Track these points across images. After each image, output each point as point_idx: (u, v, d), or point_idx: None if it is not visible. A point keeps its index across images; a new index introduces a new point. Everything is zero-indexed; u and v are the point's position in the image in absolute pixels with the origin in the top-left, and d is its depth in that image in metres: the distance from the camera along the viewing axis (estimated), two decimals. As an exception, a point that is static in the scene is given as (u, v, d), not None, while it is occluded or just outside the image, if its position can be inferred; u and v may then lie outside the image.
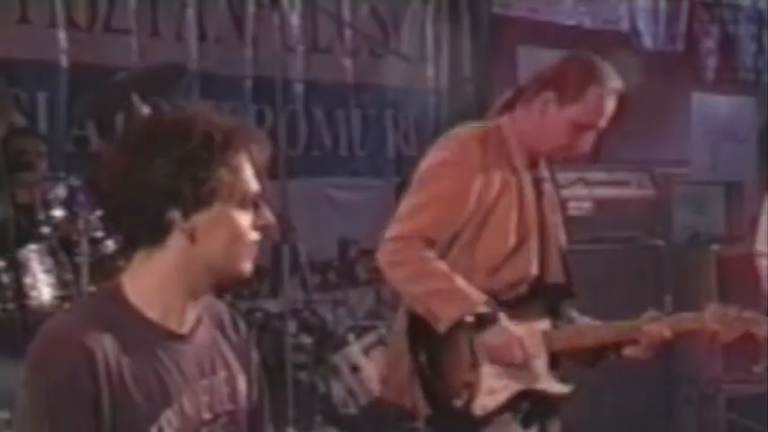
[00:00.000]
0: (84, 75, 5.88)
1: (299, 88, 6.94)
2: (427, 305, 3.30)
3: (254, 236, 2.22)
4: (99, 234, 4.64)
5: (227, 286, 2.33)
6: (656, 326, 3.38)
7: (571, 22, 8.01)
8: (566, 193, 5.81)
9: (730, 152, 8.51)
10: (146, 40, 6.24)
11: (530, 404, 3.43)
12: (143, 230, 2.16)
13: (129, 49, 6.16)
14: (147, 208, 2.13)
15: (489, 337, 3.30)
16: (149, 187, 2.12)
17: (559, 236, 3.59)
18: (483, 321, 3.29)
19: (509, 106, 3.55)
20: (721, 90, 8.86)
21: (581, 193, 5.88)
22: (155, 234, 2.15)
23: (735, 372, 5.82)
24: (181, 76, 5.44)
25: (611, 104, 3.42)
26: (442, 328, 3.29)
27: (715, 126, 8.53)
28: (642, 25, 8.51)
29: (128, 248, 2.23)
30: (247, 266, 2.23)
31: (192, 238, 2.15)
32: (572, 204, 5.85)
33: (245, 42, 6.68)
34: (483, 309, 3.29)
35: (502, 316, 3.31)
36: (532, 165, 3.51)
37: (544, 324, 3.45)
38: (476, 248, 3.39)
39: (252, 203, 2.22)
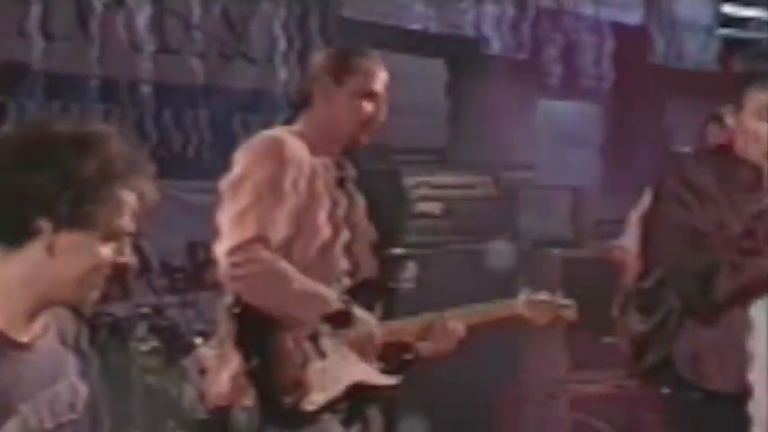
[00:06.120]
0: None
1: (146, 89, 6.84)
2: (285, 310, 3.30)
3: (107, 271, 2.18)
4: None
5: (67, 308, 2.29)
6: (452, 321, 3.50)
7: (416, 27, 8.03)
8: (415, 193, 5.90)
9: (574, 157, 8.70)
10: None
11: (350, 403, 3.47)
12: (3, 229, 2.09)
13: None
14: (16, 208, 2.06)
15: (354, 331, 3.33)
16: (28, 190, 2.04)
17: (370, 233, 3.63)
18: (339, 317, 3.32)
19: (298, 111, 3.62)
20: (565, 96, 9.04)
21: (428, 194, 5.94)
22: (13, 236, 2.08)
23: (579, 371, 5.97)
24: (23, 75, 5.29)
25: (382, 72, 3.56)
26: (307, 331, 3.30)
27: (560, 131, 8.71)
28: (489, 31, 8.61)
29: None
30: (94, 297, 2.19)
31: (50, 251, 2.08)
32: (420, 206, 5.91)
33: (91, 41, 6.55)
34: (337, 305, 3.32)
35: (356, 309, 3.36)
36: (338, 165, 3.55)
37: None
38: (293, 246, 3.40)
39: (118, 239, 2.17)
